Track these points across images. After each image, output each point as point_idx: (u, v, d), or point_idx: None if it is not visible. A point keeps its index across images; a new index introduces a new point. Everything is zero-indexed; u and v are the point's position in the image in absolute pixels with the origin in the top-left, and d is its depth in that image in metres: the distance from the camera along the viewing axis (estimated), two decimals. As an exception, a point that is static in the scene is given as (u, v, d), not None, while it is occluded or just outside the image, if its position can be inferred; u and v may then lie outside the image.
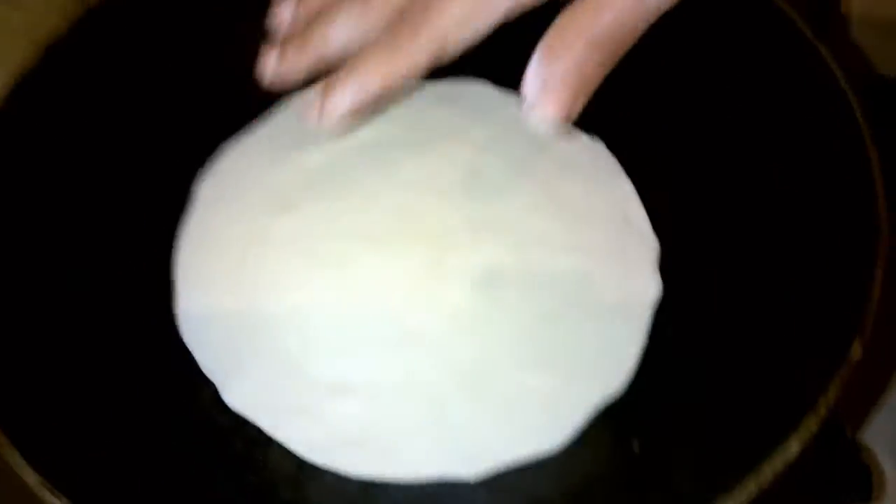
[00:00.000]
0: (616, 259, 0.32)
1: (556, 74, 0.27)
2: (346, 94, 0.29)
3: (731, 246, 0.31)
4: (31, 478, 0.24)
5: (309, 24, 0.31)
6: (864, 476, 0.31)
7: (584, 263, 0.32)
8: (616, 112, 0.35)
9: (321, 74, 0.30)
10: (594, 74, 0.27)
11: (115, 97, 0.35)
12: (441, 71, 0.37)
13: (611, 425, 0.28)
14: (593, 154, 0.35)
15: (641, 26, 0.27)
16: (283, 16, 0.32)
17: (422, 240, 0.33)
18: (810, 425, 0.24)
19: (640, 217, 0.33)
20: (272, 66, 0.31)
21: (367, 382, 0.29)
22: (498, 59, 0.37)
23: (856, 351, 0.24)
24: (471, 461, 0.27)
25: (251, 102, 0.36)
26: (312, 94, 0.31)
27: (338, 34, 0.30)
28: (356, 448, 0.28)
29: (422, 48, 0.28)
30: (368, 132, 0.36)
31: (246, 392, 0.29)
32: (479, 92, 0.38)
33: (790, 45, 0.31)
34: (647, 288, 0.31)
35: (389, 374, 0.29)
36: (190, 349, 0.30)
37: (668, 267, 0.32)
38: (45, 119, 0.33)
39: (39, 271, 0.31)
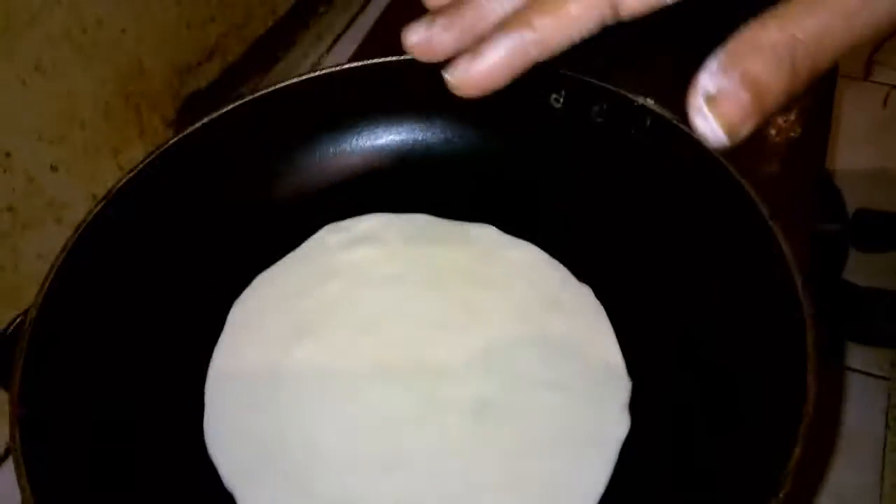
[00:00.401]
0: (591, 396, 0.38)
1: (733, 82, 0.25)
2: (499, 49, 0.31)
3: (690, 395, 0.37)
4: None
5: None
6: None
7: (562, 399, 0.38)
8: (606, 265, 0.42)
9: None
10: (778, 92, 0.25)
11: (168, 238, 0.42)
12: (451, 214, 0.45)
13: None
14: (582, 299, 0.42)
15: (842, 48, 0.25)
16: None
17: (422, 371, 0.39)
18: None
19: (618, 359, 0.39)
20: (420, 34, 0.34)
21: (363, 500, 0.35)
22: (503, 206, 0.45)
23: None
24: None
25: (280, 239, 0.44)
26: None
27: (493, 7, 0.33)
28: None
29: (591, 5, 0.29)
30: (381, 269, 0.43)
31: None
32: (485, 235, 0.44)
33: (750, 224, 0.38)
34: (617, 425, 0.37)
35: (384, 493, 0.35)
36: (214, 462, 0.36)
37: (638, 406, 0.38)
38: (111, 251, 0.40)
39: (92, 384, 0.37)
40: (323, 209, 0.45)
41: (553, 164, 0.45)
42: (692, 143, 0.39)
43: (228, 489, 0.36)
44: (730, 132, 0.26)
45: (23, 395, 0.34)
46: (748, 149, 0.32)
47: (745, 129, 0.26)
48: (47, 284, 0.37)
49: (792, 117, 0.57)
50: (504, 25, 0.33)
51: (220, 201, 0.44)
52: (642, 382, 0.38)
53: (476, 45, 0.33)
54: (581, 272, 0.43)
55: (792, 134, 0.56)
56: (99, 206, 0.40)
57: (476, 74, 0.33)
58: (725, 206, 0.39)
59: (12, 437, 0.33)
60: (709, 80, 0.26)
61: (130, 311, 0.40)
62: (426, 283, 0.43)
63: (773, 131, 0.57)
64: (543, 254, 0.43)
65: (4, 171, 0.46)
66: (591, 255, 0.43)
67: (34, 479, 0.32)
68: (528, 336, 0.40)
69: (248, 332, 0.41)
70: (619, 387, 0.38)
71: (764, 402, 0.34)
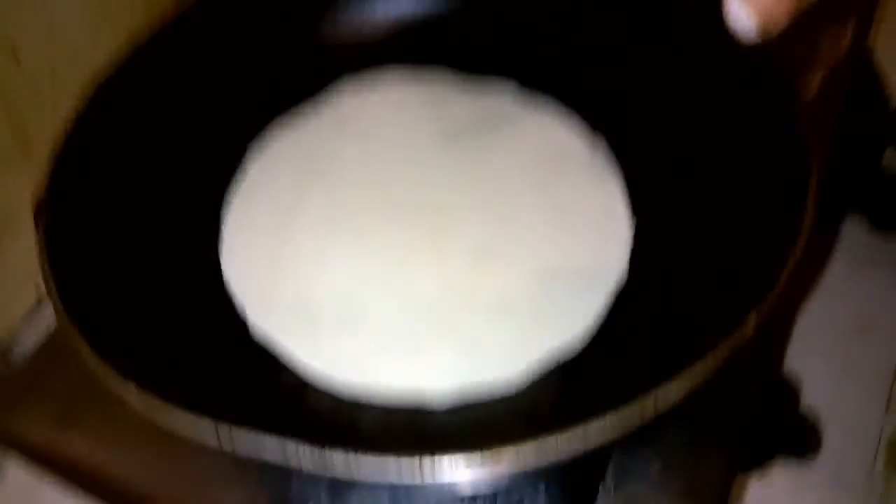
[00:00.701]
0: (592, 242, 0.40)
1: None
2: None
3: (690, 245, 0.38)
4: (92, 360, 0.33)
5: None
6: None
7: (562, 243, 0.40)
8: (621, 115, 0.45)
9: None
10: None
11: (190, 85, 0.45)
12: (471, 69, 0.47)
13: (562, 377, 0.36)
14: (593, 151, 0.44)
15: None
16: None
17: (430, 213, 0.42)
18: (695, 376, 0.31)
19: (622, 208, 0.41)
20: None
21: (365, 319, 0.38)
22: (523, 62, 0.47)
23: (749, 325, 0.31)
24: (442, 386, 0.35)
25: (299, 90, 0.47)
26: None
27: None
28: (351, 371, 0.36)
29: None
30: (395, 122, 0.46)
31: (268, 320, 0.38)
32: (503, 90, 0.47)
33: (771, 93, 0.39)
34: (614, 269, 0.39)
35: (386, 315, 0.38)
36: (228, 283, 0.40)
37: (638, 254, 0.40)
38: (134, 97, 0.43)
39: (126, 214, 0.41)
40: (342, 62, 0.48)
41: (573, 25, 0.47)
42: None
43: (241, 314, 0.39)
44: (763, 25, 0.27)
45: (50, 235, 0.37)
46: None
47: (780, 24, 0.27)
48: (67, 131, 0.41)
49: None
50: None
51: (242, 50, 0.47)
52: (645, 228, 0.40)
53: None
54: (596, 123, 0.45)
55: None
56: (121, 59, 0.43)
57: None
58: (741, 61, 0.40)
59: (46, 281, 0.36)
60: None
61: (152, 156, 0.43)
62: (439, 137, 0.45)
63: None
64: (560, 106, 0.45)
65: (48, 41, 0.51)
66: (606, 105, 0.45)
67: (70, 310, 0.34)
68: (535, 184, 0.43)
69: (265, 177, 0.44)
70: (621, 235, 0.40)
71: (763, 237, 0.35)
